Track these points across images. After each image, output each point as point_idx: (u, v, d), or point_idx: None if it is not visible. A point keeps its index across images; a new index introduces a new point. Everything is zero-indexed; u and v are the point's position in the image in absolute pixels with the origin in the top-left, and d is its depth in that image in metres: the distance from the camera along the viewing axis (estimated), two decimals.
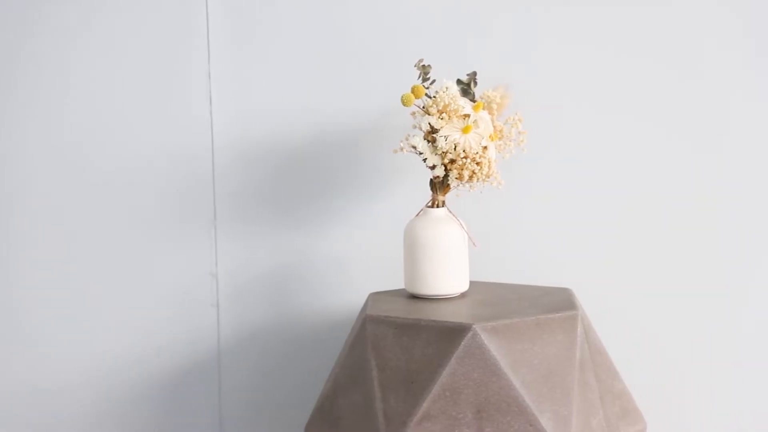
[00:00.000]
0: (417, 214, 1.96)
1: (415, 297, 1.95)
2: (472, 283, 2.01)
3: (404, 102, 1.89)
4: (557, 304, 1.88)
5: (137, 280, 2.21)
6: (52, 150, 2.18)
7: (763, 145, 2.11)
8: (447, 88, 1.90)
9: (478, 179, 1.89)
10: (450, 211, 1.95)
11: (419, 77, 1.92)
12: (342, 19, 2.15)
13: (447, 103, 1.88)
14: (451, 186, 1.92)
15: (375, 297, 1.98)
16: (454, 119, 1.89)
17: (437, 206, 1.94)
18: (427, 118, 1.89)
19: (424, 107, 1.91)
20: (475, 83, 1.95)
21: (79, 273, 2.21)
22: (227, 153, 2.18)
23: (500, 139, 1.93)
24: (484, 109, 1.92)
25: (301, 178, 2.18)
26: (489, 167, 1.89)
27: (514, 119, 1.94)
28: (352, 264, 2.19)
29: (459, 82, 1.94)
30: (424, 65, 1.92)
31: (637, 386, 2.02)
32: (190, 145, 2.18)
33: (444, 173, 1.90)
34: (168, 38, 2.16)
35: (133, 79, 2.17)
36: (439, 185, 1.94)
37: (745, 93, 2.10)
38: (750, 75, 2.10)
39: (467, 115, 1.89)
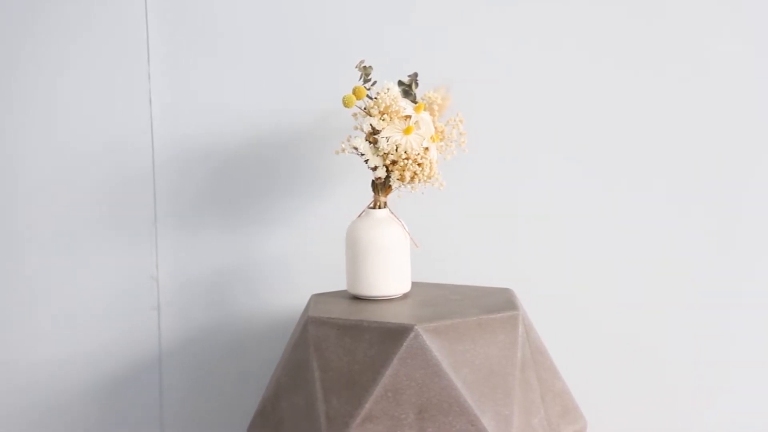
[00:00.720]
0: (359, 215, 1.96)
1: (357, 298, 1.95)
2: (413, 283, 2.01)
3: (345, 103, 1.89)
4: (498, 305, 1.88)
5: (76, 283, 2.19)
6: None
7: (704, 139, 2.14)
8: (388, 89, 1.90)
9: (419, 180, 1.90)
10: (392, 212, 1.95)
11: (360, 78, 1.92)
12: (282, 20, 2.14)
13: (388, 104, 1.89)
14: (393, 187, 1.93)
15: (317, 298, 1.97)
16: (396, 120, 1.89)
17: (379, 207, 1.94)
18: (369, 120, 1.90)
19: (365, 108, 1.92)
20: (417, 84, 1.95)
21: (16, 275, 2.18)
22: (167, 154, 2.17)
23: (441, 140, 1.94)
24: (425, 110, 1.92)
25: (243, 178, 2.17)
26: (430, 168, 1.89)
27: (455, 120, 1.94)
28: (294, 265, 2.18)
29: (400, 83, 1.95)
30: (365, 66, 1.93)
31: (578, 385, 2.03)
32: (129, 146, 2.17)
33: (386, 174, 1.91)
34: (107, 38, 2.15)
35: (71, 79, 2.15)
36: (381, 186, 1.94)
37: (685, 82, 2.13)
38: (686, 60, 2.12)
39: (409, 117, 1.90)
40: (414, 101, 1.94)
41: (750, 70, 2.11)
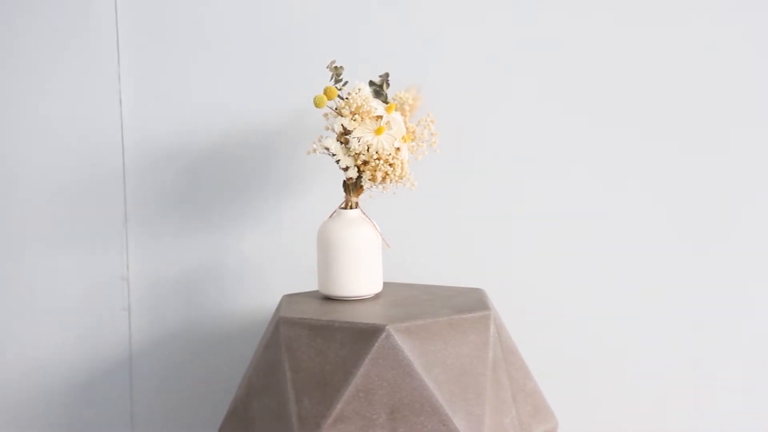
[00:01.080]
0: (330, 216, 1.95)
1: (328, 298, 1.95)
2: (385, 284, 2.01)
3: (316, 103, 1.89)
4: (470, 305, 1.89)
5: (46, 284, 2.18)
6: None
7: (672, 133, 2.15)
8: (359, 89, 1.90)
9: (391, 180, 1.90)
10: (363, 213, 1.95)
11: (331, 78, 1.92)
12: (254, 20, 2.14)
13: (360, 104, 1.89)
14: (365, 187, 1.93)
15: (288, 299, 1.97)
16: (367, 121, 1.89)
17: (350, 208, 1.94)
18: (340, 120, 1.89)
19: (336, 109, 1.91)
20: (388, 85, 1.95)
21: None
22: (138, 154, 2.16)
23: (413, 140, 1.94)
24: (396, 110, 1.92)
25: (214, 179, 2.17)
26: (402, 168, 1.89)
27: (426, 120, 1.94)
28: (266, 266, 2.18)
29: (371, 83, 1.95)
30: (336, 66, 1.92)
31: (549, 385, 2.04)
32: (99, 146, 2.16)
33: (357, 175, 1.91)
34: (77, 39, 2.14)
35: (41, 80, 2.14)
36: (352, 187, 1.94)
37: (653, 79, 2.14)
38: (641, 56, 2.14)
39: (380, 117, 1.90)
40: (385, 101, 1.94)
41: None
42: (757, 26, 2.11)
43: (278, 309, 1.93)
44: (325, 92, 1.90)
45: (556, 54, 2.13)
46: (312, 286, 2.05)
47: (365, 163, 1.89)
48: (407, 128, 1.93)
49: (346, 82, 1.93)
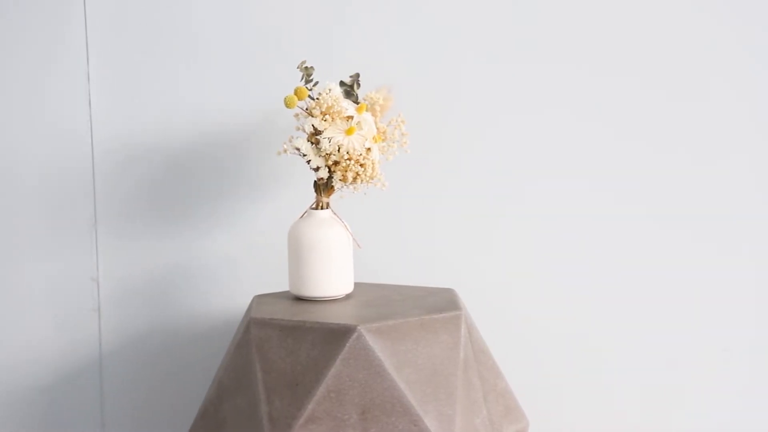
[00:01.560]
0: (301, 216, 1.95)
1: (299, 299, 1.95)
2: (356, 284, 2.01)
3: (287, 104, 1.89)
4: (441, 305, 1.89)
5: (15, 285, 2.17)
6: None
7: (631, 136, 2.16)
8: (330, 89, 1.90)
9: (362, 181, 1.90)
10: (334, 213, 1.95)
11: (302, 79, 1.92)
12: (226, 19, 2.13)
13: (330, 104, 1.88)
14: (335, 188, 1.93)
15: (259, 299, 1.97)
16: (338, 121, 1.89)
17: (321, 208, 1.94)
18: (311, 120, 1.89)
19: (307, 109, 1.91)
20: (358, 85, 1.95)
21: None
22: (108, 154, 2.15)
23: (383, 140, 1.94)
24: (367, 110, 1.92)
25: (184, 179, 2.16)
26: (373, 169, 1.89)
27: (397, 121, 1.95)
28: (237, 266, 2.17)
29: (342, 83, 1.95)
30: (306, 67, 1.92)
31: (520, 385, 2.04)
32: (69, 148, 2.15)
33: (328, 175, 1.91)
34: (45, 38, 2.12)
35: (9, 79, 2.13)
36: (323, 187, 1.94)
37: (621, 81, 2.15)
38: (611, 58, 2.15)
39: (350, 117, 1.90)
40: (356, 102, 1.94)
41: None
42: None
43: (249, 309, 1.93)
44: (296, 92, 1.89)
45: (528, 52, 2.13)
46: (283, 286, 2.05)
47: (336, 163, 1.89)
48: (378, 128, 1.94)
49: (316, 83, 1.93)
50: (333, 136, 1.89)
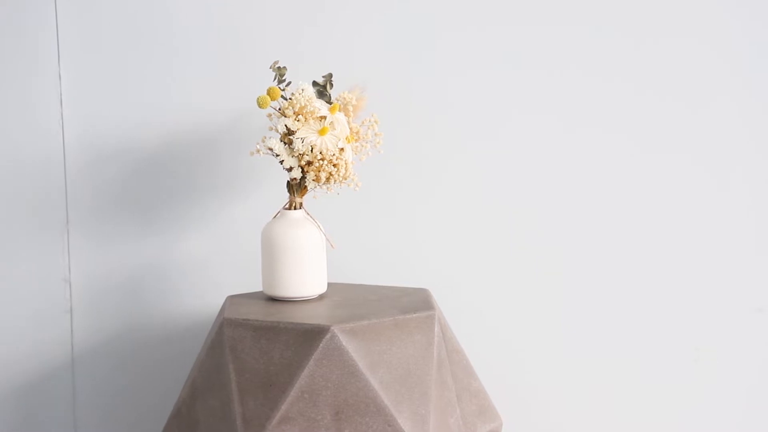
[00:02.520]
0: (274, 216, 1.95)
1: (273, 299, 1.94)
2: (330, 284, 2.01)
3: (260, 104, 1.89)
4: (415, 305, 1.89)
5: None
6: None
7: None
8: (303, 90, 1.90)
9: (335, 181, 1.90)
10: (307, 213, 1.95)
11: (275, 79, 1.92)
12: (198, 19, 2.13)
13: (303, 105, 1.88)
14: (309, 188, 1.92)
15: (233, 300, 1.96)
16: (311, 121, 1.89)
17: (294, 208, 1.94)
18: (284, 120, 1.89)
19: (280, 109, 1.91)
20: (331, 85, 1.95)
21: None
22: (79, 154, 2.14)
23: (357, 140, 1.94)
24: (340, 110, 1.92)
25: (158, 179, 2.15)
26: (346, 169, 1.89)
27: (370, 121, 1.95)
28: (210, 267, 2.17)
29: (315, 84, 1.94)
30: (279, 67, 1.92)
31: (493, 384, 2.05)
32: (40, 148, 2.14)
33: (301, 175, 1.90)
34: (16, 38, 2.11)
35: None
36: (297, 187, 1.94)
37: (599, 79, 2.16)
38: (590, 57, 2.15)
39: (323, 117, 1.90)
40: (329, 102, 1.94)
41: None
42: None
43: (222, 310, 1.92)
44: (269, 93, 1.89)
45: (507, 51, 2.13)
46: (257, 286, 2.04)
47: (309, 163, 1.89)
48: (351, 129, 1.94)
49: (289, 83, 1.93)
50: (306, 136, 1.88)
